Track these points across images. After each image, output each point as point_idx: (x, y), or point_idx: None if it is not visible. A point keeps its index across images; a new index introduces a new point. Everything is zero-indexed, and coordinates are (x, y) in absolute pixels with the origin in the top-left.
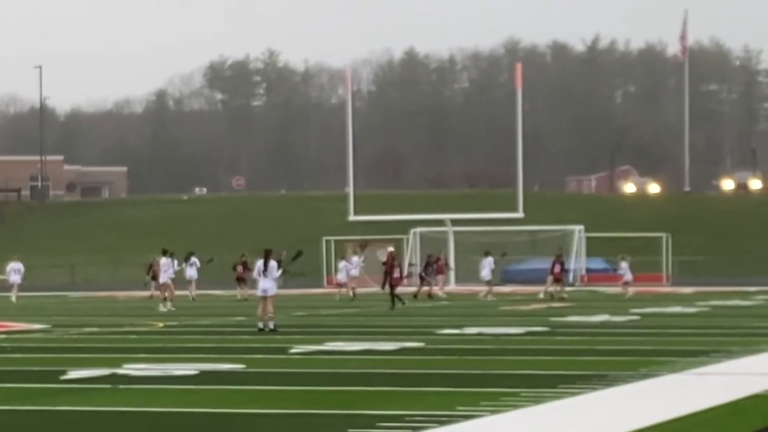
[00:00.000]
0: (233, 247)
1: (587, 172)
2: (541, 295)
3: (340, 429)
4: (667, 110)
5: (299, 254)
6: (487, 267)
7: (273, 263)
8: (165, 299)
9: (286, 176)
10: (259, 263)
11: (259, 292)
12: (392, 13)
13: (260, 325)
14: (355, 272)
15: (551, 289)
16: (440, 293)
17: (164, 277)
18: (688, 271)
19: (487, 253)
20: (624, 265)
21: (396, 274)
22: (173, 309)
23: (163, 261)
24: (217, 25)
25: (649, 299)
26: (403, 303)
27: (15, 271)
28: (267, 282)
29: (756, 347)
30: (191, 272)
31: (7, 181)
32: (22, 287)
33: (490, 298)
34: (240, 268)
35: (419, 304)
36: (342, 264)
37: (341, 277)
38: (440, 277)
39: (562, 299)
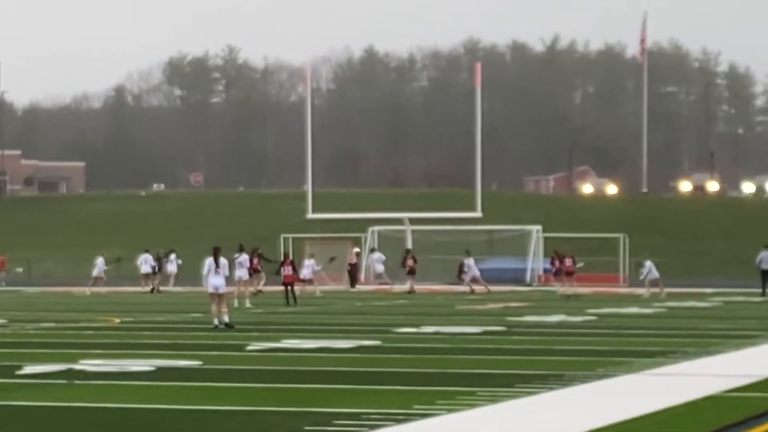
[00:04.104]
0: (191, 244)
1: (545, 172)
2: (560, 291)
3: (296, 426)
4: (626, 111)
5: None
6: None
7: (224, 260)
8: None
9: (245, 173)
10: (210, 260)
11: (210, 289)
12: (352, 11)
13: (215, 321)
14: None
15: (563, 288)
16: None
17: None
18: None
19: (468, 252)
20: (648, 263)
21: (288, 272)
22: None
23: (307, 262)
24: (177, 21)
25: (605, 300)
26: (295, 304)
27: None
28: (219, 279)
29: (712, 348)
30: (172, 267)
31: None
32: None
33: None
34: (255, 260)
35: (381, 303)
36: (308, 261)
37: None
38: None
39: (575, 295)
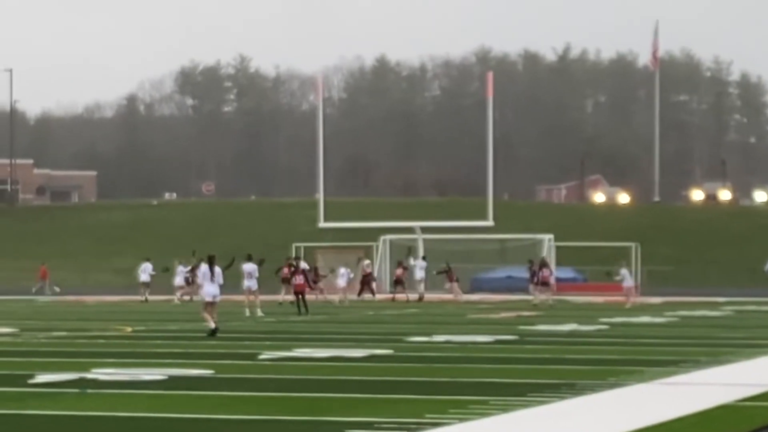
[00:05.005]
0: (202, 253)
1: (557, 181)
2: (536, 302)
3: None
4: (638, 120)
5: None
6: (422, 269)
7: (218, 269)
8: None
9: (256, 182)
10: (205, 269)
11: (208, 297)
12: (364, 20)
13: (212, 325)
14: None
15: (542, 296)
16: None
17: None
18: (656, 281)
19: (423, 258)
20: (624, 271)
21: (299, 281)
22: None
23: (342, 271)
24: (189, 30)
25: (617, 309)
26: (306, 312)
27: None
28: (214, 287)
29: (724, 358)
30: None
31: None
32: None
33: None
34: (285, 270)
35: (392, 312)
36: (343, 270)
37: (341, 282)
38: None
39: (548, 304)
